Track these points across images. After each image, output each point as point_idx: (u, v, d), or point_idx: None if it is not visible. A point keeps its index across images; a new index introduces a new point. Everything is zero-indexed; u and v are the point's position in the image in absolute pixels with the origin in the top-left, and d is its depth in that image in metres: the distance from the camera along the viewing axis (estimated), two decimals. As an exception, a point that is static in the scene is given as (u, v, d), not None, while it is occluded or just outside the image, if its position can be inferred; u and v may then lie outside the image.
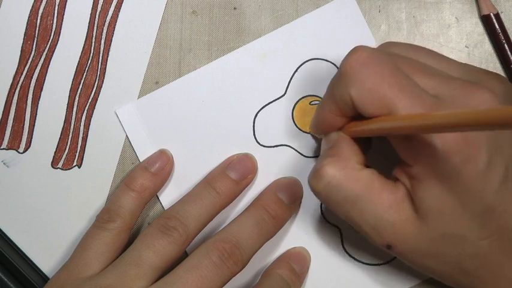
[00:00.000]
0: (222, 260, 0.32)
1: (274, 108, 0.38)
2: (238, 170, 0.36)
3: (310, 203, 0.37)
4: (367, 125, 0.29)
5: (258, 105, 0.38)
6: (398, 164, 0.30)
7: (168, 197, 0.37)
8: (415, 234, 0.29)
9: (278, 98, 0.38)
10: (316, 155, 0.38)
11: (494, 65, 0.37)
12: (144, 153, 0.38)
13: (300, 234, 0.37)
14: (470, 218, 0.28)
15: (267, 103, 0.38)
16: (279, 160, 0.37)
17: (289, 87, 0.38)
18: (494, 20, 0.37)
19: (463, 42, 0.38)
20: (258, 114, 0.38)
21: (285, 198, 0.36)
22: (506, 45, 0.37)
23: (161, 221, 0.34)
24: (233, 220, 0.35)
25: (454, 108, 0.28)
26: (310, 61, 0.38)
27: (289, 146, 0.38)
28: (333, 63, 0.37)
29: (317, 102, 0.37)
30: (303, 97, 0.38)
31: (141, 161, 0.37)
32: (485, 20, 0.37)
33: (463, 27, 0.38)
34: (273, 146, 0.38)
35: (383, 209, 0.29)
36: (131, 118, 0.38)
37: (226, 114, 0.38)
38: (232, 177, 0.36)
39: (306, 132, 0.38)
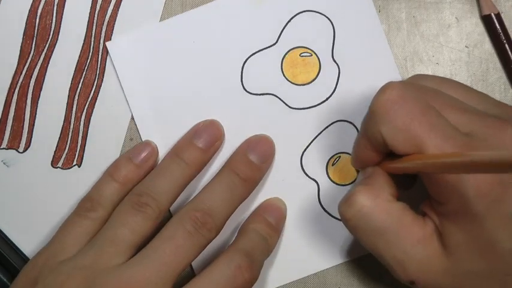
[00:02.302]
0: (196, 228, 0.33)
1: (264, 56, 0.38)
2: (205, 138, 0.36)
3: (290, 155, 0.38)
4: (399, 163, 0.29)
5: (248, 51, 0.38)
6: (427, 198, 0.30)
7: (152, 139, 0.38)
8: (440, 270, 0.29)
9: (269, 46, 0.38)
10: (302, 107, 0.38)
11: (494, 65, 0.37)
12: (130, 89, 0.38)
13: (276, 186, 0.38)
14: (500, 256, 0.28)
15: (257, 50, 0.38)
16: (264, 109, 0.38)
17: (281, 36, 0.38)
18: (495, 20, 0.37)
19: (463, 42, 0.37)
20: (248, 61, 0.38)
21: (256, 159, 0.36)
22: (507, 45, 0.37)
23: (133, 198, 0.34)
24: (204, 187, 0.35)
25: (485, 146, 0.28)
26: (305, 12, 0.38)
27: (275, 96, 0.38)
28: (327, 17, 0.37)
29: (307, 54, 0.37)
30: (293, 48, 0.38)
31: (125, 90, 0.37)
32: (486, 20, 0.37)
33: (463, 27, 0.37)
34: (259, 94, 0.38)
35: (411, 243, 0.29)
36: (122, 52, 0.38)
37: (216, 57, 0.38)
38: (199, 146, 0.36)
39: (293, 83, 0.38)
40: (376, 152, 0.31)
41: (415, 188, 0.32)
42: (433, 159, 0.27)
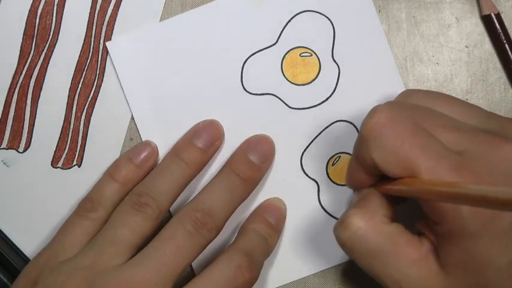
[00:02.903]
0: (196, 228, 0.33)
1: (264, 56, 0.38)
2: (204, 138, 0.36)
3: (290, 155, 0.38)
4: (394, 185, 0.29)
5: (248, 51, 0.38)
6: (423, 217, 0.30)
7: (152, 139, 0.38)
8: None
9: (269, 46, 0.38)
10: (302, 107, 0.38)
11: (494, 65, 0.37)
12: (130, 89, 0.38)
13: (276, 186, 0.38)
14: (496, 270, 0.27)
15: (257, 50, 0.38)
16: (264, 109, 0.38)
17: (281, 36, 0.38)
18: (495, 20, 0.37)
19: (463, 42, 0.37)
20: (248, 61, 0.38)
21: (256, 159, 0.36)
22: (507, 45, 0.37)
23: (133, 198, 0.34)
24: (204, 187, 0.35)
25: (479, 165, 0.27)
26: (305, 12, 0.38)
27: (275, 96, 0.38)
28: (327, 17, 0.37)
29: (307, 54, 0.37)
30: (293, 48, 0.38)
31: (125, 90, 0.37)
32: (486, 20, 0.37)
33: (463, 27, 0.37)
34: (259, 94, 0.38)
35: (407, 264, 0.29)
36: (122, 52, 0.38)
37: (216, 57, 0.38)
38: (199, 146, 0.36)
39: (293, 83, 0.38)
40: (369, 175, 0.31)
41: (413, 206, 0.32)
42: (428, 186, 0.27)
